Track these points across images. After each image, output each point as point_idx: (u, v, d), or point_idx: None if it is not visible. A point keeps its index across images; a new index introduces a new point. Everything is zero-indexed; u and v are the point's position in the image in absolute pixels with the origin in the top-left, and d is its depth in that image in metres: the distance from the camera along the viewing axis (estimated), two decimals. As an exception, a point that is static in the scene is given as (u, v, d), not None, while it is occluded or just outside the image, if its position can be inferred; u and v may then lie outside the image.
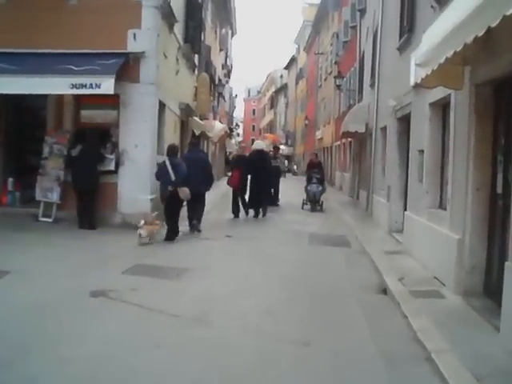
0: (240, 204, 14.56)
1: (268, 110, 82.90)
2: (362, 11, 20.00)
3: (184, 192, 10.15)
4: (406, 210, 11.10)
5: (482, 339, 5.00)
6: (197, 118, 18.51)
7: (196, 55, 19.01)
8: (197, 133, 18.38)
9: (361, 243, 10.87)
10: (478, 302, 6.15)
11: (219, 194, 18.93)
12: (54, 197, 11.04)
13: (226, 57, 38.59)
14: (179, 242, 10.37)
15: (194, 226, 11.43)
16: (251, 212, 14.70)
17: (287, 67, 65.43)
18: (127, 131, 11.10)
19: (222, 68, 35.45)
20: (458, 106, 6.92)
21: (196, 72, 20.33)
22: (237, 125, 64.09)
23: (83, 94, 10.14)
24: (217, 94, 27.71)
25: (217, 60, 30.03)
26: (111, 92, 9.75)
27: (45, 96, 11.01)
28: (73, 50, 10.62)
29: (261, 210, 14.70)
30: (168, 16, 12.43)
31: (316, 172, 18.13)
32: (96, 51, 10.61)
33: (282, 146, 49.32)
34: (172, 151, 10.54)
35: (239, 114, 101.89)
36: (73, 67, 10.10)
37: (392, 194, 11.96)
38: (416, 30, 9.91)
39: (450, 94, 7.30)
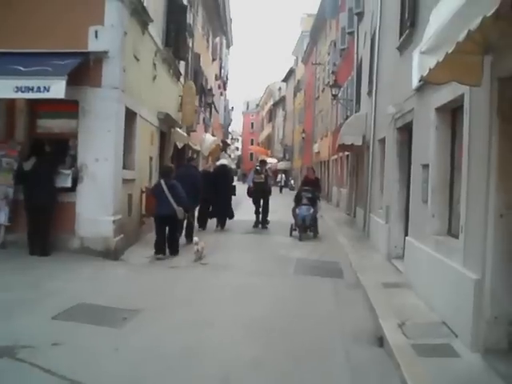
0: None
1: (266, 124, 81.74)
2: (360, 15, 18.75)
3: (181, 212, 10.49)
4: (407, 233, 9.69)
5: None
6: (180, 130, 17.08)
7: (180, 62, 17.62)
8: (179, 145, 16.94)
9: (355, 272, 9.40)
10: (503, 363, 4.68)
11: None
12: (2, 218, 9.55)
13: (221, 67, 37.36)
14: (144, 272, 8.94)
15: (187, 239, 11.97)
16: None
17: (285, 79, 64.33)
18: (87, 143, 9.65)
19: (216, 79, 34.18)
20: (475, 109, 5.48)
21: (182, 81, 18.98)
22: (233, 138, 62.85)
23: (28, 98, 8.75)
24: (206, 105, 26.23)
25: (209, 70, 28.73)
26: (62, 96, 8.32)
27: (-7, 102, 9.60)
28: (23, 49, 9.21)
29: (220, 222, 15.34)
30: (139, 13, 11.04)
31: (307, 190, 14.66)
32: (51, 51, 9.20)
33: (270, 159, 47.78)
34: (166, 173, 10.93)
35: (238, 127, 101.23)
36: (20, 68, 8.67)
37: (391, 214, 10.50)
38: (419, 24, 8.49)
39: (462, 95, 5.88)
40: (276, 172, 52.47)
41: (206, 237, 13.27)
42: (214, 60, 31.86)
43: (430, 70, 4.50)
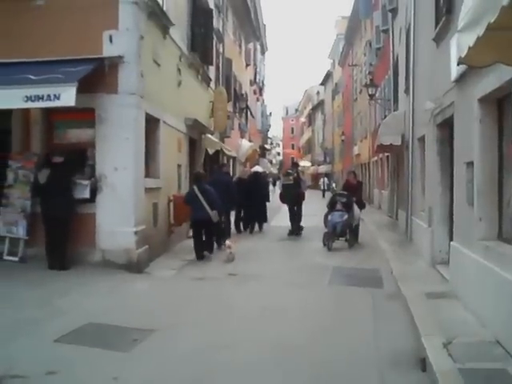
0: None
1: (306, 128, 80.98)
2: (394, 11, 17.86)
3: (215, 216, 10.84)
4: (451, 237, 8.86)
5: None
6: (211, 136, 16.57)
7: (209, 67, 17.14)
8: (210, 152, 16.41)
9: (396, 281, 8.61)
10: None
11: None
12: (20, 231, 9.19)
13: (256, 73, 36.91)
14: (167, 286, 8.40)
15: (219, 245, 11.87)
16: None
17: (323, 83, 63.46)
18: (104, 152, 9.18)
19: (251, 84, 33.75)
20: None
21: (213, 86, 18.51)
22: (271, 143, 62.29)
23: (39, 107, 8.34)
24: (240, 111, 25.73)
25: (242, 75, 28.28)
26: (72, 104, 7.84)
27: (8, 114, 9.23)
28: (35, 57, 8.84)
29: (257, 225, 15.96)
30: (157, 16, 10.54)
31: (342, 195, 13.32)
32: (63, 58, 8.79)
33: (303, 162, 46.57)
34: (197, 178, 11.37)
35: (278, 133, 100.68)
36: (31, 77, 8.26)
37: (434, 217, 9.66)
38: (455, 9, 7.67)
39: (510, 81, 5.10)
40: (317, 175, 51.37)
41: (240, 243, 12.83)
42: (247, 65, 31.43)
43: (469, 48, 3.75)
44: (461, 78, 7.12)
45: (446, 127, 9.12)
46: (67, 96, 7.87)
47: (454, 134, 7.95)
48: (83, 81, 8.24)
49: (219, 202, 10.98)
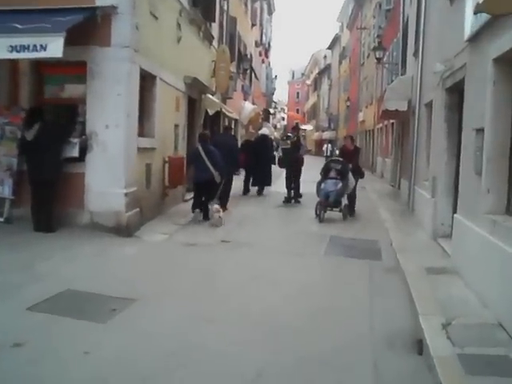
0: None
1: (312, 93, 79.66)
2: (406, -31, 17.13)
3: (218, 177, 10.82)
4: (455, 209, 8.48)
5: None
6: (211, 96, 16.01)
7: (212, 25, 16.47)
8: (210, 112, 15.86)
9: (395, 253, 8.26)
10: None
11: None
12: (6, 191, 8.79)
13: (262, 34, 35.99)
14: (156, 251, 8.06)
15: (223, 205, 11.67)
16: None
17: (330, 47, 62.15)
18: (96, 108, 8.69)
19: (256, 45, 32.91)
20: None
21: (216, 45, 17.87)
22: (276, 107, 61.36)
23: (25, 58, 7.84)
24: (244, 72, 25.03)
25: (247, 35, 27.49)
26: (59, 55, 7.33)
27: (-6, 65, 8.76)
28: (23, 5, 8.31)
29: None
30: (155, -36, 9.95)
31: (336, 161, 12.35)
32: (53, 7, 8.25)
33: (305, 126, 45.38)
34: (203, 139, 11.23)
35: (284, 97, 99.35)
36: (17, 25, 7.73)
37: (438, 187, 9.24)
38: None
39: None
40: (321, 141, 50.51)
41: (237, 208, 12.57)
42: (253, 26, 30.58)
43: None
44: (475, 37, 6.61)
45: (456, 92, 8.63)
46: (54, 47, 7.35)
47: (464, 98, 7.46)
48: (75, 32, 7.72)
49: (222, 164, 10.86)
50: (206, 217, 10.69)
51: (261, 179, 15.84)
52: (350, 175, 11.93)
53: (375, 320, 5.25)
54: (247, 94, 28.12)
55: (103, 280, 6.19)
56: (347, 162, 12.09)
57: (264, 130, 18.85)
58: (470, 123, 6.95)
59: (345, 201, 12.07)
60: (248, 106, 26.14)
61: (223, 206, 11.83)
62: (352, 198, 12.52)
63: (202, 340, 4.53)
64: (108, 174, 8.71)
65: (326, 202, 11.46)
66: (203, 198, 10.92)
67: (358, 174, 12.65)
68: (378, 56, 20.26)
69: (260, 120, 32.79)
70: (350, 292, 6.24)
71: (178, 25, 12.21)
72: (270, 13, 42.98)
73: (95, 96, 8.70)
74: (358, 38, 38.60)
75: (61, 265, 6.71)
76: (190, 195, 12.83)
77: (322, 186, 11.73)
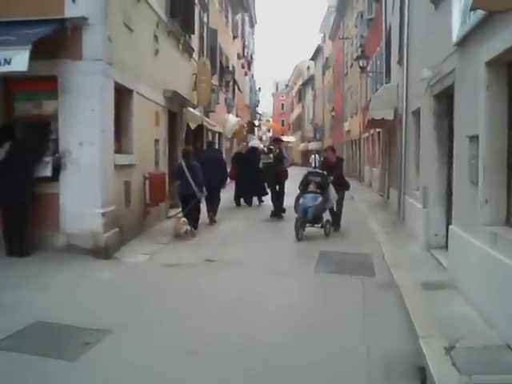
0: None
1: (296, 104, 79.68)
2: (387, -23, 16.94)
3: (200, 192, 10.98)
4: (449, 219, 8.15)
5: None
6: (193, 110, 15.63)
7: (191, 37, 16.12)
8: (192, 126, 15.47)
9: (388, 268, 7.87)
10: None
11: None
12: (-25, 214, 8.33)
13: (244, 46, 35.76)
14: (135, 274, 7.60)
15: (210, 218, 12.41)
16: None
17: (313, 58, 62.20)
18: (68, 125, 8.27)
19: (239, 58, 32.64)
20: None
21: (196, 58, 17.51)
22: (260, 119, 61.09)
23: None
24: (226, 84, 24.69)
25: (229, 48, 27.21)
26: (24, 69, 6.90)
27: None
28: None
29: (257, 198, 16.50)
30: (128, -25, 9.58)
31: (315, 174, 11.46)
32: (21, 19, 7.82)
33: (287, 138, 44.67)
34: (186, 154, 11.35)
35: (269, 109, 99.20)
36: (-19, 39, 7.32)
37: (429, 197, 8.90)
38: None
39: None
40: (307, 152, 49.87)
41: (225, 221, 12.67)
42: (235, 38, 30.32)
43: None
44: (463, 41, 6.30)
45: (444, 98, 8.34)
46: (19, 60, 6.92)
47: (455, 104, 7.12)
48: (44, 45, 7.34)
49: (201, 179, 10.97)
50: (196, 225, 11.05)
51: (255, 190, 16.20)
52: (331, 188, 10.99)
53: (371, 344, 4.83)
54: (230, 107, 27.78)
55: (77, 309, 5.73)
56: (330, 175, 11.22)
57: (254, 143, 19.99)
58: (462, 130, 6.61)
59: (327, 216, 11.28)
60: (231, 119, 25.78)
61: (211, 218, 12.41)
62: (337, 212, 11.73)
63: (181, 375, 4.09)
64: (83, 193, 8.27)
65: (305, 219, 10.53)
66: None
67: (343, 187, 11.86)
68: (361, 65, 20.05)
69: (244, 132, 32.46)
70: (343, 313, 5.82)
71: (155, 37, 11.85)
72: (252, 25, 42.83)
73: (68, 112, 8.27)
74: (340, 48, 38.53)
75: (32, 293, 6.23)
76: (174, 211, 12.45)
77: (301, 200, 10.79)
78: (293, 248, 9.77)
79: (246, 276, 7.47)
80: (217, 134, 23.32)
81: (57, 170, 8.30)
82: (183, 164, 10.95)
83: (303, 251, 9.39)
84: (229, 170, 16.39)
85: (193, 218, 10.90)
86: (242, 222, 12.97)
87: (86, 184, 8.25)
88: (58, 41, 7.95)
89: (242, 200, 16.47)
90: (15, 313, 5.48)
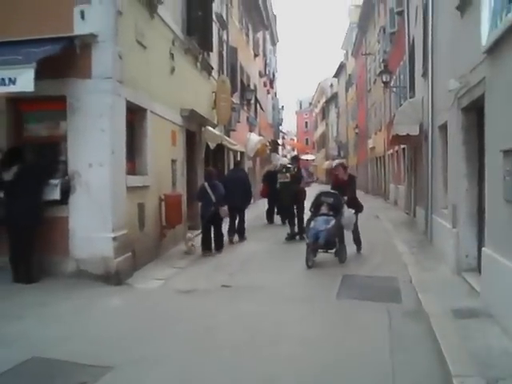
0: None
1: (320, 122, 79.25)
2: (408, -11, 16.53)
3: (224, 211, 11.21)
4: (480, 239, 7.61)
5: None
6: (212, 129, 15.30)
7: (210, 55, 15.87)
8: (212, 146, 15.15)
9: (416, 293, 7.33)
10: None
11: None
12: (-18, 238, 8.03)
13: (266, 64, 35.54)
14: (146, 302, 7.18)
15: (240, 237, 12.91)
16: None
17: (336, 75, 61.77)
18: (77, 146, 7.97)
19: (260, 76, 32.40)
20: None
21: (216, 76, 17.25)
22: (284, 138, 60.77)
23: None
24: (248, 102, 24.41)
25: (250, 66, 26.97)
26: (31, 89, 6.63)
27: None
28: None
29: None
30: (141, -10, 9.33)
31: (328, 194, 10.35)
32: (28, 38, 7.57)
33: (306, 156, 43.81)
34: (208, 175, 11.58)
35: (293, 127, 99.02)
36: (-14, 59, 7.07)
37: (459, 216, 8.35)
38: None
39: None
40: (331, 170, 48.82)
41: (242, 245, 12.20)
42: (256, 56, 30.10)
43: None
44: (495, 46, 5.82)
45: (473, 111, 7.84)
46: (25, 80, 6.66)
47: (486, 117, 6.61)
48: (52, 64, 7.18)
49: (223, 197, 11.15)
50: (220, 247, 11.30)
51: (285, 208, 15.51)
52: (346, 209, 10.04)
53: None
54: (253, 126, 27.48)
55: (79, 343, 5.33)
56: (342, 195, 10.22)
57: (283, 160, 20.59)
58: (494, 144, 6.10)
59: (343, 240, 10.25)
60: (254, 138, 25.43)
61: (241, 236, 12.97)
62: (355, 233, 10.84)
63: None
64: (94, 217, 7.93)
65: (316, 245, 9.51)
66: (212, 234, 11.18)
67: (356, 208, 10.67)
68: (384, 79, 19.56)
69: (268, 151, 32.07)
70: (367, 347, 5.29)
71: (171, 54, 11.58)
72: (274, 43, 42.69)
73: (77, 132, 7.98)
74: (363, 64, 38.09)
75: (33, 324, 5.86)
76: (193, 233, 12.09)
77: (312, 224, 9.78)
78: (314, 271, 9.23)
79: (262, 304, 6.97)
80: (238, 154, 22.99)
81: (66, 192, 7.99)
82: (206, 185, 11.15)
83: (325, 274, 8.89)
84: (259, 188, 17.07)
85: (218, 238, 11.26)
86: (264, 242, 12.51)
87: (96, 207, 7.92)
88: (66, 59, 7.71)
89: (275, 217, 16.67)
90: (12, 347, 5.12)
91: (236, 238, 12.76)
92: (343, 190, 10.49)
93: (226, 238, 11.93)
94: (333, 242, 9.81)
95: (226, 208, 11.25)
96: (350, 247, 10.52)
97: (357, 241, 10.93)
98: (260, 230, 14.77)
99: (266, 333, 5.73)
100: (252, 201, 16.11)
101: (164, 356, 5.00)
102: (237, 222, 12.91)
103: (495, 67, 5.99)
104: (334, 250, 9.95)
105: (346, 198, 10.22)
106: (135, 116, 9.45)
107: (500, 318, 5.57)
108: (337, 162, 23.53)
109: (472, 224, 8.05)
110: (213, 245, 11.12)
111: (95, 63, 7.93)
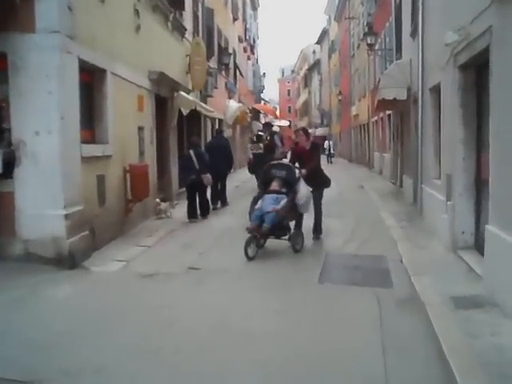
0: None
1: (302, 90, 77.96)
2: None
3: (207, 179, 11.22)
4: (478, 214, 6.81)
5: None
6: (185, 94, 14.20)
7: (182, 14, 14.70)
8: (184, 112, 14.03)
9: (408, 276, 6.50)
10: None
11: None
12: None
13: (246, 29, 34.15)
14: (101, 289, 6.27)
15: (222, 203, 13.19)
16: None
17: (319, 41, 60.45)
18: (22, 111, 6.92)
19: (240, 41, 31.09)
20: None
21: (190, 38, 16.08)
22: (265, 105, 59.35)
23: None
24: (225, 67, 23.23)
25: (229, 30, 25.67)
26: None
27: None
28: None
29: None
30: None
31: (281, 166, 8.37)
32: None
33: (279, 122, 41.60)
34: (194, 144, 11.73)
35: (275, 95, 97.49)
36: None
37: (455, 187, 7.49)
38: None
39: None
40: (319, 138, 46.67)
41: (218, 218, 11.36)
42: (235, 20, 28.73)
43: None
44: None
45: (472, 68, 6.97)
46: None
47: (492, 73, 5.66)
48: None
49: (208, 166, 11.25)
50: (206, 213, 11.48)
51: None
52: (303, 186, 8.07)
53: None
54: (232, 92, 26.31)
55: (11, 347, 4.40)
56: (302, 167, 8.38)
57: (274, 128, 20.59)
58: (503, 104, 5.19)
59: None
60: (233, 105, 24.33)
61: (223, 202, 13.33)
62: (316, 217, 8.91)
63: None
64: (43, 192, 6.96)
65: (259, 229, 7.60)
66: (197, 201, 11.28)
67: (322, 183, 8.87)
68: (369, 41, 18.51)
69: (248, 119, 30.96)
70: (355, 347, 4.42)
71: (136, 11, 10.45)
72: (254, 8, 41.15)
73: (21, 96, 6.92)
74: (346, 29, 36.89)
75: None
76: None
77: (258, 204, 7.93)
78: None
79: (233, 290, 6.12)
80: (217, 121, 21.91)
81: (10, 164, 6.96)
82: (191, 153, 11.11)
83: (307, 254, 8.00)
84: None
85: (204, 205, 11.42)
86: (237, 219, 11.60)
87: (45, 181, 6.94)
88: (6, 10, 6.62)
89: None
90: None
91: (219, 204, 13.08)
92: (304, 161, 8.54)
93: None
94: (285, 226, 8.00)
95: (209, 176, 11.23)
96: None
97: (317, 225, 8.94)
98: (239, 201, 13.52)
99: (236, 327, 4.85)
100: (232, 170, 15.23)
101: (111, 361, 4.11)
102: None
103: (506, 13, 5.04)
104: (287, 237, 8.02)
105: (303, 171, 8.25)
106: (93, 77, 8.41)
107: (508, 308, 4.76)
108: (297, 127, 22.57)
109: (469, 197, 7.23)
110: (198, 212, 11.26)
111: (39, 14, 6.83)
